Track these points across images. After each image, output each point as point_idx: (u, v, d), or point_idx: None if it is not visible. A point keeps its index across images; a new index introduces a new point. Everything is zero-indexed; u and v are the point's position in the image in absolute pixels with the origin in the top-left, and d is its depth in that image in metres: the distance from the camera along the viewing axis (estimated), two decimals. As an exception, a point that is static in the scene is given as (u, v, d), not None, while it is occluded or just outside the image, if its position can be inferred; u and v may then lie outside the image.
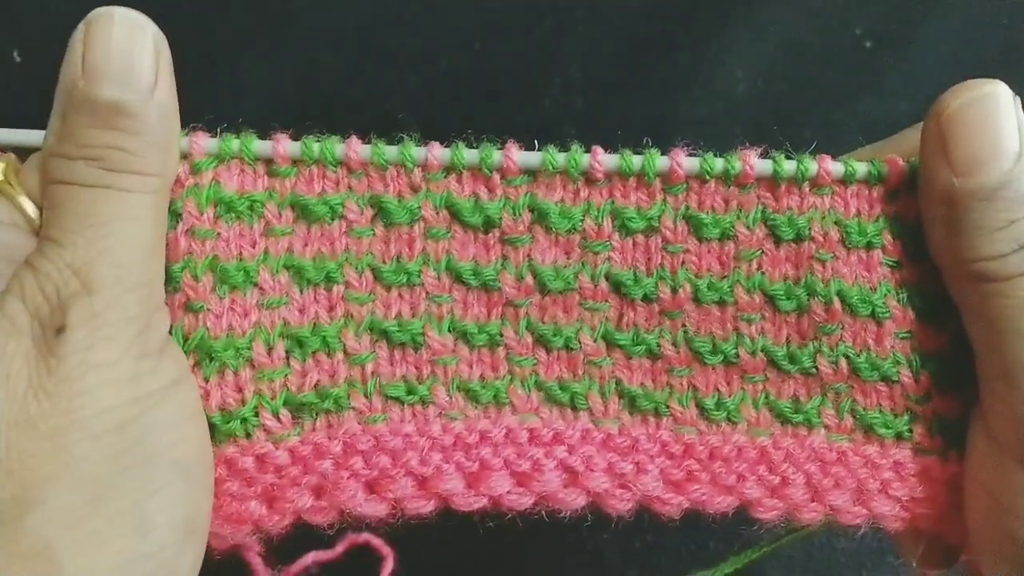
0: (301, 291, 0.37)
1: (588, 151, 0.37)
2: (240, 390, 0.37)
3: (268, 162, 0.37)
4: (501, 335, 0.38)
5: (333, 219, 0.37)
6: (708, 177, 0.38)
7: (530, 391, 0.38)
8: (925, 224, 0.37)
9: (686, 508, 0.38)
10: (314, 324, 0.38)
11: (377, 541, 0.43)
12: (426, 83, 0.64)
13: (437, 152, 0.37)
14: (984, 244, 0.34)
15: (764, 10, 0.65)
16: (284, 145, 0.37)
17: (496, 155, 0.37)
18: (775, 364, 0.38)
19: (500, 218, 0.38)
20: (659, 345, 0.38)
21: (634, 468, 0.38)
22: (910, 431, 0.38)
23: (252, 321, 0.37)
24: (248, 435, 0.37)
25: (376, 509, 0.37)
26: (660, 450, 0.38)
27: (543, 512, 0.38)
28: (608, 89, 0.64)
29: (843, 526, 0.38)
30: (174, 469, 0.33)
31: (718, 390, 0.39)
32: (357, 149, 0.37)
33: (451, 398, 0.38)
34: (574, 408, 0.39)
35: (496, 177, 0.38)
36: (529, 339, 0.38)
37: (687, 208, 0.38)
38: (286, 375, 0.37)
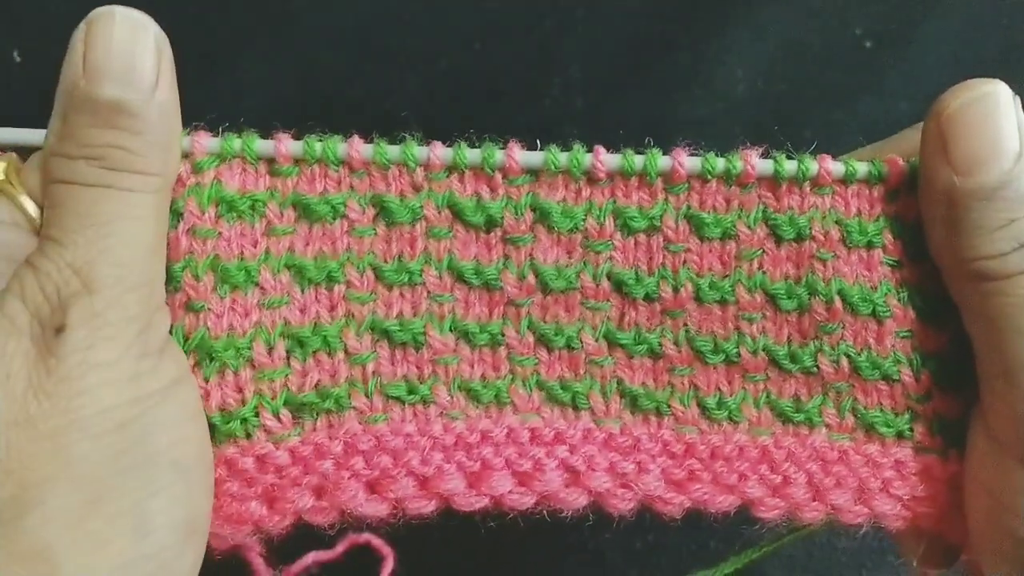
0: (302, 290, 0.37)
1: (590, 151, 0.38)
2: (240, 390, 0.36)
3: (270, 161, 0.37)
4: (503, 334, 0.38)
5: (335, 218, 0.37)
6: (710, 177, 0.38)
7: (532, 391, 0.38)
8: (925, 223, 0.37)
9: (688, 508, 0.38)
10: (315, 324, 0.37)
11: (377, 541, 0.43)
12: (426, 83, 0.64)
13: (439, 152, 0.37)
14: (984, 243, 0.34)
15: (764, 10, 0.65)
16: (286, 144, 0.37)
17: (498, 155, 0.37)
18: (776, 363, 0.38)
19: (502, 217, 0.38)
20: (661, 344, 0.38)
21: (636, 468, 0.38)
22: (911, 430, 0.38)
23: (253, 321, 0.37)
24: (248, 435, 0.36)
25: (377, 509, 0.37)
26: (662, 449, 0.38)
27: (544, 512, 0.38)
28: (608, 89, 0.64)
29: (844, 525, 0.38)
30: (174, 469, 0.33)
31: (719, 389, 0.39)
32: (359, 148, 0.37)
33: (452, 398, 0.38)
34: (576, 408, 0.39)
35: (498, 176, 0.38)
36: (531, 338, 0.38)
37: (689, 207, 0.38)
38: (287, 375, 0.37)
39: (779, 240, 0.38)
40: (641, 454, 0.38)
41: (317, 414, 0.37)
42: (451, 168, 0.38)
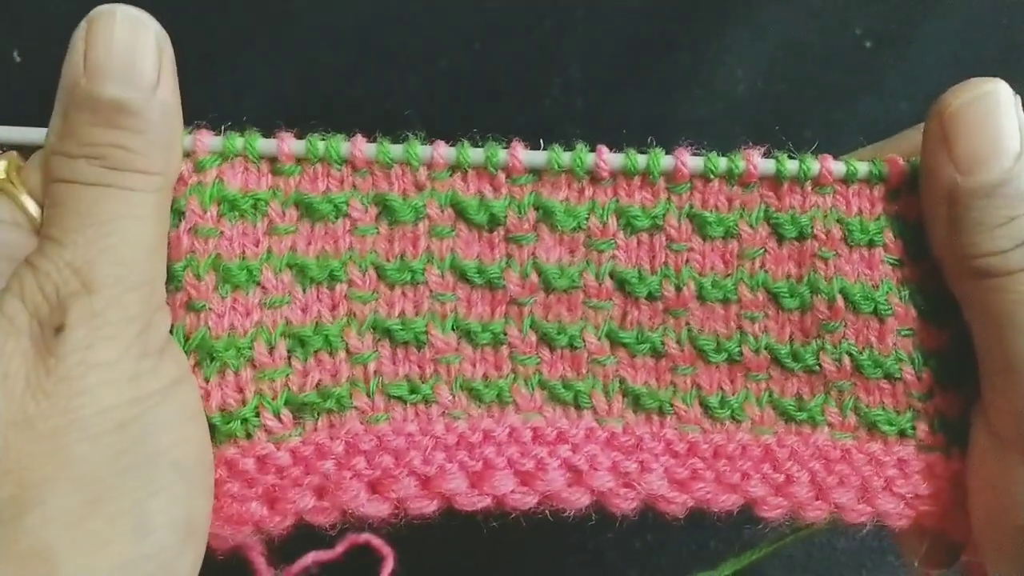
0: (304, 290, 0.37)
1: (592, 150, 0.38)
2: (241, 390, 0.36)
3: (272, 160, 0.37)
4: (505, 334, 0.38)
5: (337, 217, 0.37)
6: (712, 176, 0.38)
7: (534, 390, 0.38)
8: (927, 222, 0.37)
9: (691, 507, 0.38)
10: (316, 323, 0.37)
11: (378, 541, 0.43)
12: (426, 83, 0.64)
13: (442, 151, 0.37)
14: (985, 240, 0.34)
15: (764, 10, 0.65)
16: (289, 143, 0.37)
17: (501, 154, 0.37)
18: (779, 362, 0.38)
19: (505, 216, 0.38)
20: (663, 343, 0.38)
21: (638, 467, 0.38)
22: (913, 428, 0.38)
23: (254, 320, 0.37)
24: (249, 436, 0.36)
25: (379, 509, 0.36)
26: (664, 449, 0.38)
27: (546, 511, 0.38)
28: (608, 89, 0.64)
29: (847, 524, 0.38)
30: (174, 470, 0.33)
31: (722, 388, 0.39)
32: (362, 147, 0.37)
33: (454, 397, 0.38)
34: (578, 407, 0.39)
35: (501, 176, 0.38)
36: (533, 338, 0.38)
37: (691, 207, 0.38)
38: (287, 375, 0.37)
39: (781, 239, 0.38)
40: (644, 453, 0.38)
41: (318, 414, 0.37)
42: (454, 167, 0.38)
